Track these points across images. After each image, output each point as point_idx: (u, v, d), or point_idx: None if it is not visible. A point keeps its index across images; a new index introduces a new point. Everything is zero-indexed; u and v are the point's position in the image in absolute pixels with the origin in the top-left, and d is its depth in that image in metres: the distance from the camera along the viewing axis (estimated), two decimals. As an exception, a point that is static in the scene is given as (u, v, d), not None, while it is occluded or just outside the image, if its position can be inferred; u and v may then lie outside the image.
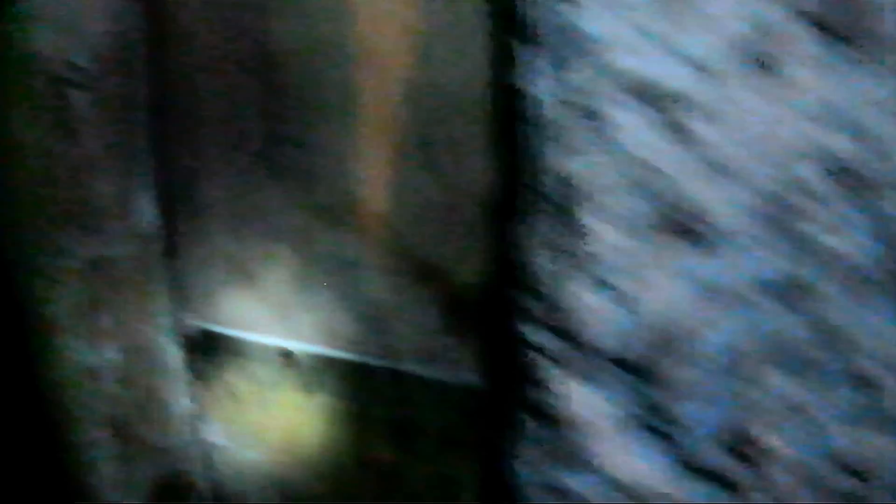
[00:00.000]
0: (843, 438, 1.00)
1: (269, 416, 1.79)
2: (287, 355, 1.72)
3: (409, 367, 1.68)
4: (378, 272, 1.65)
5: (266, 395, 1.77)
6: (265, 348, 1.74)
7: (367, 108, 1.57)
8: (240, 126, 1.63)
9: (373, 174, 1.60)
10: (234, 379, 1.78)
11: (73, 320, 1.60)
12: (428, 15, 1.49)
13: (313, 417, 1.77)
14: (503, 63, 1.09)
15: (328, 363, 1.72)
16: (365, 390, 1.73)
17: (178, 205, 1.68)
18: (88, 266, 1.58)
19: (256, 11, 1.57)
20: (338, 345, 1.71)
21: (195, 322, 1.75)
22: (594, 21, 0.98)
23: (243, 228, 1.69)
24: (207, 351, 1.77)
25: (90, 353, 1.62)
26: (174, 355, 1.72)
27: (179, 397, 1.75)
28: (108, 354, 1.63)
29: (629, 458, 1.07)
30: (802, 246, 0.98)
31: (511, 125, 1.07)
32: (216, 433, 1.82)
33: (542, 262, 1.07)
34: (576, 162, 1.02)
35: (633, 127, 0.96)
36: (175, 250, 1.70)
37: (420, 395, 1.70)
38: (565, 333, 1.07)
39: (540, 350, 1.09)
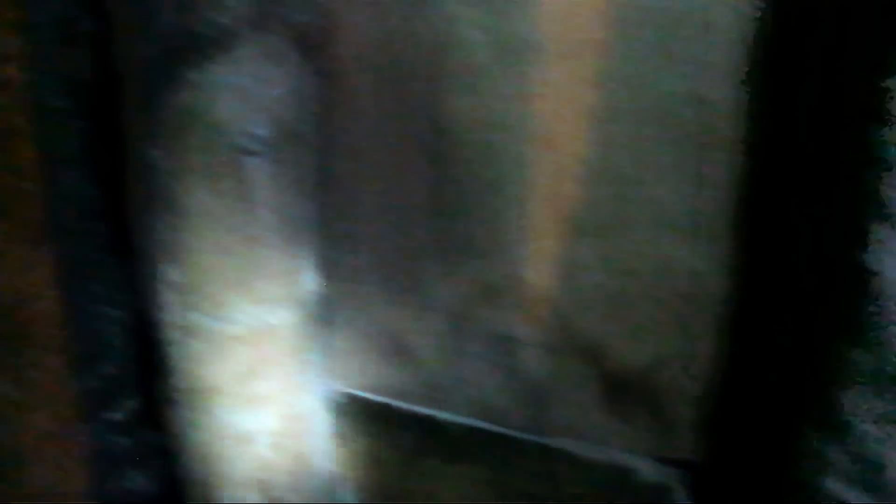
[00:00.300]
0: None
1: (412, 484, 1.78)
2: (434, 424, 1.71)
3: (560, 443, 1.67)
4: (536, 349, 1.64)
5: (409, 462, 1.77)
6: (412, 416, 1.73)
7: (539, 187, 1.57)
8: (403, 196, 1.63)
9: (540, 252, 1.60)
10: (378, 445, 1.77)
11: (233, 385, 1.61)
12: (609, 99, 1.48)
13: (455, 487, 1.76)
14: (844, 235, 1.09)
15: (476, 434, 1.71)
16: (511, 463, 1.72)
17: (334, 271, 1.69)
18: (251, 332, 1.58)
19: (431, 87, 1.57)
20: (488, 417, 1.71)
21: (344, 387, 1.75)
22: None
23: (399, 297, 1.69)
24: (354, 416, 1.77)
25: (246, 418, 1.63)
26: (323, 420, 1.72)
27: (325, 461, 1.75)
28: (264, 419, 1.63)
29: None
30: None
31: (851, 296, 1.07)
32: (358, 497, 1.81)
33: (863, 424, 1.06)
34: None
35: None
36: (330, 316, 1.71)
37: (568, 471, 1.69)
38: (880, 492, 1.06)
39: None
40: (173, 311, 1.61)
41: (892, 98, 1.05)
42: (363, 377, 1.75)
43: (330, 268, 1.68)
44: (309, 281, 1.62)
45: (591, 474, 1.68)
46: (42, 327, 1.59)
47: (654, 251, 1.54)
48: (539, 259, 1.61)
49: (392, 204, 1.66)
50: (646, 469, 1.63)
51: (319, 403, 1.71)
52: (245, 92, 1.49)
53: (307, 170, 1.57)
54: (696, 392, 1.56)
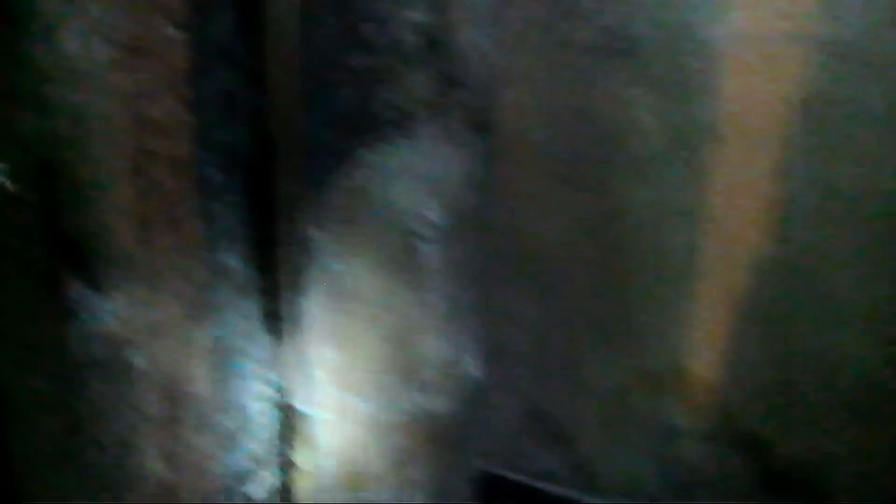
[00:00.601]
0: None
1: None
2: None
3: (717, 533, 1.64)
4: (695, 438, 1.61)
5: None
6: (561, 499, 1.70)
7: (709, 275, 1.53)
8: (566, 278, 1.60)
9: (705, 340, 1.56)
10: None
11: (385, 469, 1.57)
12: (787, 191, 1.45)
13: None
14: None
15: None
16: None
17: (492, 351, 1.65)
18: (409, 418, 1.54)
19: (601, 169, 1.53)
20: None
21: (495, 469, 1.72)
22: None
23: (555, 379, 1.65)
24: (504, 498, 1.73)
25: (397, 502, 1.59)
26: (474, 501, 1.69)
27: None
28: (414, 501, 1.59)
29: None
30: None
31: None
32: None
33: None
34: None
35: None
36: (485, 397, 1.67)
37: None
38: None
39: None
40: (328, 393, 1.56)
41: None
42: (515, 458, 1.71)
43: (488, 348, 1.64)
44: (471, 367, 1.58)
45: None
46: (195, 405, 1.55)
47: (826, 344, 1.50)
48: (703, 347, 1.57)
49: (554, 285, 1.62)
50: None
51: (470, 484, 1.67)
52: (421, 175, 1.44)
53: (480, 255, 1.52)
54: (868, 491, 1.53)
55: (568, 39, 1.53)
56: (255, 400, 1.63)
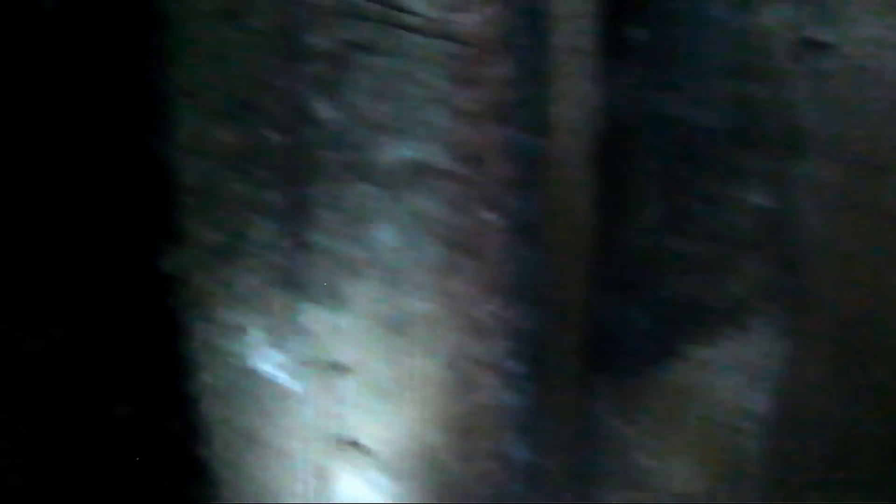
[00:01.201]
0: None
1: None
2: None
3: None
4: None
5: None
6: None
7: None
8: (855, 452, 1.50)
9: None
10: None
11: None
12: None
13: None
14: None
15: None
16: None
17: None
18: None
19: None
20: None
21: None
22: None
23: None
24: None
25: None
26: None
27: None
28: None
29: None
30: None
31: None
32: None
33: None
34: None
35: None
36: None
37: None
38: None
39: None
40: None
41: None
42: None
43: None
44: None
45: None
46: None
47: None
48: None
49: (845, 460, 1.53)
50: None
51: None
52: (749, 367, 1.34)
53: (798, 443, 1.42)
54: None
55: (872, 206, 1.44)
56: None
